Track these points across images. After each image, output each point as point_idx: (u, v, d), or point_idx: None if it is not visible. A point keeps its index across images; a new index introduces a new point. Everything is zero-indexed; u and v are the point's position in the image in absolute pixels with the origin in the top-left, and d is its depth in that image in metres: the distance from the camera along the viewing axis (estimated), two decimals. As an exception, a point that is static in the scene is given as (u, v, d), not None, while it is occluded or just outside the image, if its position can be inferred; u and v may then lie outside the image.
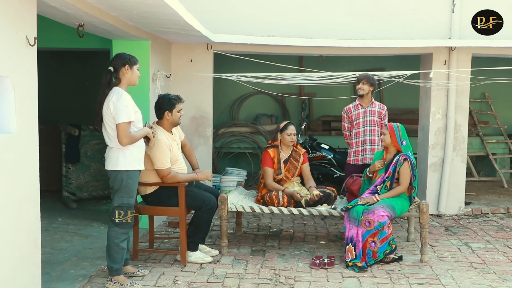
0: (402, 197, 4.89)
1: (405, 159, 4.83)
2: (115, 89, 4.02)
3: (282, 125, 5.41)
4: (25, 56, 3.36)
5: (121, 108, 3.90)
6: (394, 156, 4.92)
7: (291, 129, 5.33)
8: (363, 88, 5.55)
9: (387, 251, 4.73)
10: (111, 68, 4.05)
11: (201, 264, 4.68)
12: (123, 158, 4.01)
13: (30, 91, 3.45)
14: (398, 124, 5.01)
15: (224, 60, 6.99)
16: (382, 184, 4.90)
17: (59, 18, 4.40)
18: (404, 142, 4.91)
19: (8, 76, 3.21)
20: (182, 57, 6.74)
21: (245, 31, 6.47)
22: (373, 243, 4.64)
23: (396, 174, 4.86)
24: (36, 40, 3.44)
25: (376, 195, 4.83)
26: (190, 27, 5.28)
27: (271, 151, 5.31)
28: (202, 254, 4.77)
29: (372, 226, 4.60)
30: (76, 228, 5.91)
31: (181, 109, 4.74)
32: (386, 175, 4.88)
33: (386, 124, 5.13)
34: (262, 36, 6.44)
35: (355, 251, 4.66)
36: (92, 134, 7.35)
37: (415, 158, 5.56)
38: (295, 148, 5.43)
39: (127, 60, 4.07)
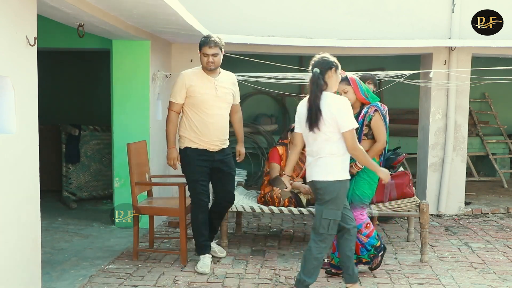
0: (370, 170, 4.12)
1: (375, 111, 4.29)
2: (329, 94, 3.72)
3: (293, 125, 5.44)
4: (25, 56, 3.36)
5: (347, 114, 3.67)
6: (360, 109, 4.35)
7: None
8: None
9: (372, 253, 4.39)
10: (317, 70, 3.71)
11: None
12: (339, 167, 3.73)
13: (30, 91, 3.45)
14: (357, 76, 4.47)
15: (224, 60, 6.97)
16: None
17: (59, 18, 4.41)
18: (367, 94, 4.37)
19: (8, 76, 3.20)
20: (182, 57, 6.74)
21: (245, 31, 6.47)
22: (360, 240, 4.35)
23: (364, 128, 4.27)
24: (36, 40, 3.44)
25: (357, 163, 4.21)
26: (190, 27, 5.28)
27: (280, 148, 5.35)
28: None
29: None
30: (76, 228, 5.91)
31: None
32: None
33: (346, 78, 4.34)
34: (262, 36, 6.44)
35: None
36: (92, 134, 7.35)
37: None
38: (302, 150, 5.46)
39: (333, 63, 3.76)
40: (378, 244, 4.40)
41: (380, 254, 4.46)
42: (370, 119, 4.25)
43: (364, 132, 4.27)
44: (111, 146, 6.04)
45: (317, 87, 3.66)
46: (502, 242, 5.62)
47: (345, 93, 4.26)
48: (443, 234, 5.96)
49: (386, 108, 5.69)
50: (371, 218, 5.63)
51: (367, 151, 4.09)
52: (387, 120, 4.49)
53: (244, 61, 6.69)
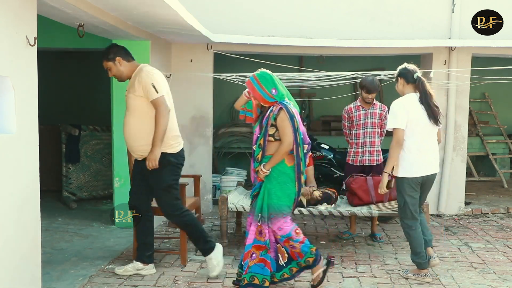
0: (280, 176, 3.92)
1: (280, 109, 3.87)
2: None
3: None
4: (25, 56, 3.36)
5: None
6: (268, 108, 3.98)
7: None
8: (371, 97, 5.54)
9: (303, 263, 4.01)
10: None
11: (201, 263, 4.68)
12: None
13: (30, 91, 3.45)
14: (260, 71, 4.04)
15: (224, 60, 6.99)
16: (256, 144, 4.01)
17: (59, 18, 4.41)
18: (274, 91, 3.93)
19: (8, 76, 3.21)
20: (182, 57, 6.74)
21: (245, 31, 6.47)
22: (292, 247, 3.97)
23: (271, 129, 3.91)
24: (36, 40, 3.44)
25: (262, 166, 3.91)
26: (190, 27, 5.28)
27: None
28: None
29: (279, 236, 3.96)
30: (76, 228, 5.91)
31: None
32: (261, 131, 3.97)
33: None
34: (262, 36, 6.44)
35: (287, 252, 4.02)
36: (92, 134, 7.35)
37: None
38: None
39: None
40: (312, 258, 4.01)
41: (320, 268, 4.05)
42: (275, 118, 3.88)
43: (270, 132, 3.90)
44: (111, 146, 6.04)
45: (427, 88, 4.25)
46: (502, 242, 5.62)
47: (250, 93, 4.02)
48: (443, 234, 5.96)
49: (386, 108, 5.69)
50: (372, 218, 5.66)
51: (272, 154, 3.92)
52: (298, 119, 3.95)
53: (244, 61, 6.70)
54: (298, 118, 3.93)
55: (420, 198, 4.38)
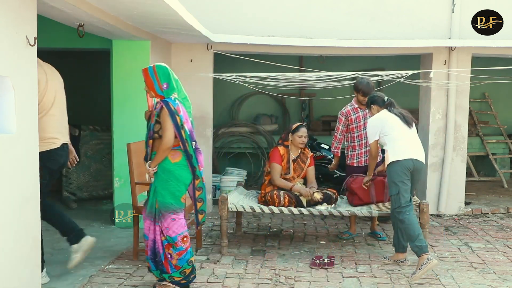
0: (163, 173, 3.89)
1: (162, 106, 3.83)
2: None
3: (294, 126, 5.41)
4: (25, 56, 3.36)
5: None
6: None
7: (303, 131, 5.35)
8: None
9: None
10: None
11: (201, 263, 4.69)
12: None
13: (30, 91, 3.45)
14: (161, 64, 4.03)
15: (224, 60, 6.99)
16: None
17: (59, 18, 4.41)
18: (165, 85, 3.90)
19: (8, 76, 3.21)
20: (182, 57, 6.74)
21: (245, 31, 6.47)
22: (169, 255, 3.91)
23: (156, 126, 3.88)
24: (36, 40, 3.44)
25: (147, 165, 3.93)
26: (190, 27, 5.28)
27: (281, 149, 5.32)
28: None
29: (164, 237, 3.91)
30: (76, 228, 5.90)
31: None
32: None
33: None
34: (262, 36, 6.44)
35: (154, 252, 3.97)
36: (92, 134, 7.35)
37: None
38: (303, 151, 5.45)
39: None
40: (189, 270, 3.97)
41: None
42: (158, 115, 3.85)
43: (155, 129, 3.88)
44: (111, 146, 6.04)
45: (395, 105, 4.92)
46: (502, 242, 5.62)
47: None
48: (443, 234, 5.97)
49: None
50: (371, 218, 5.66)
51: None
52: (183, 116, 3.90)
53: (244, 61, 6.70)
54: (183, 115, 3.87)
55: (411, 188, 4.71)
